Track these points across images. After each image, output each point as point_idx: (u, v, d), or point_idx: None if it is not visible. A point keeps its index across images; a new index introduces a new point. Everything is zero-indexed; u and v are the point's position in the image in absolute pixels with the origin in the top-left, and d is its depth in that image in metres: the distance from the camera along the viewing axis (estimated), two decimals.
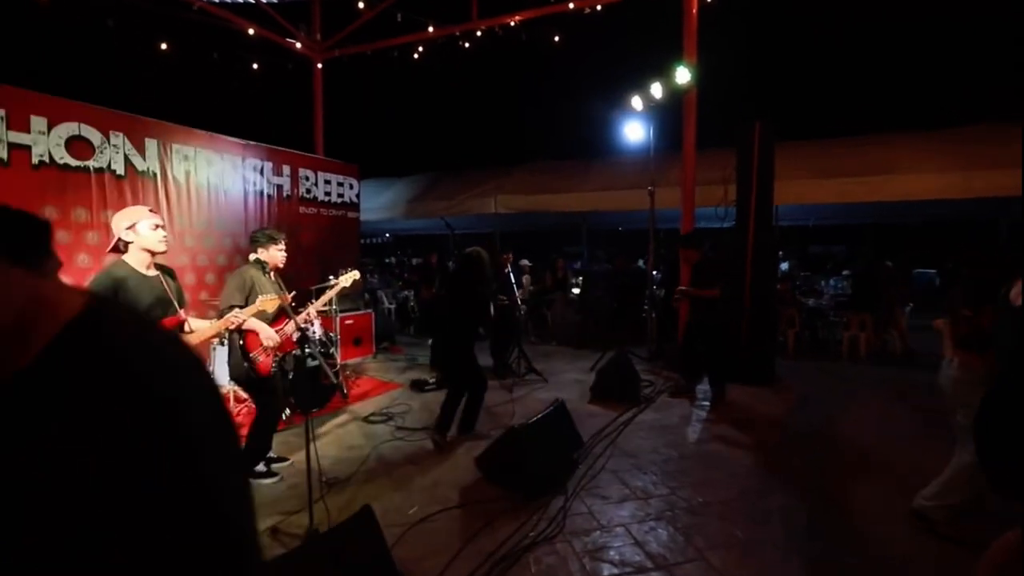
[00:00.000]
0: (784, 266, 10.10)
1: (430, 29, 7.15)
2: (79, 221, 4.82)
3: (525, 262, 9.45)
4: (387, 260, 15.29)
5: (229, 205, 6.30)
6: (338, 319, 6.86)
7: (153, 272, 2.62)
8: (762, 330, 5.92)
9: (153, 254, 2.62)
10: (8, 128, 4.52)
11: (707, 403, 5.28)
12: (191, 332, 2.74)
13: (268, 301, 3.00)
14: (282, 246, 3.56)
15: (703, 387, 5.61)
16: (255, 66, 7.75)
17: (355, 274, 4.26)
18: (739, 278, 5.83)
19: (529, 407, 5.20)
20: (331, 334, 5.89)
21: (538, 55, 8.58)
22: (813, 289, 8.77)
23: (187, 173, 5.84)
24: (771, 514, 3.05)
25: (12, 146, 4.54)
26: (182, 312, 2.76)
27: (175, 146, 5.73)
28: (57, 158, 4.80)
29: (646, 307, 8.26)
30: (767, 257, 5.97)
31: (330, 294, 4.19)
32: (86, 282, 2.94)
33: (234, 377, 3.46)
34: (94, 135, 5.06)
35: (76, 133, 4.94)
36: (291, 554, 2.02)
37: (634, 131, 7.02)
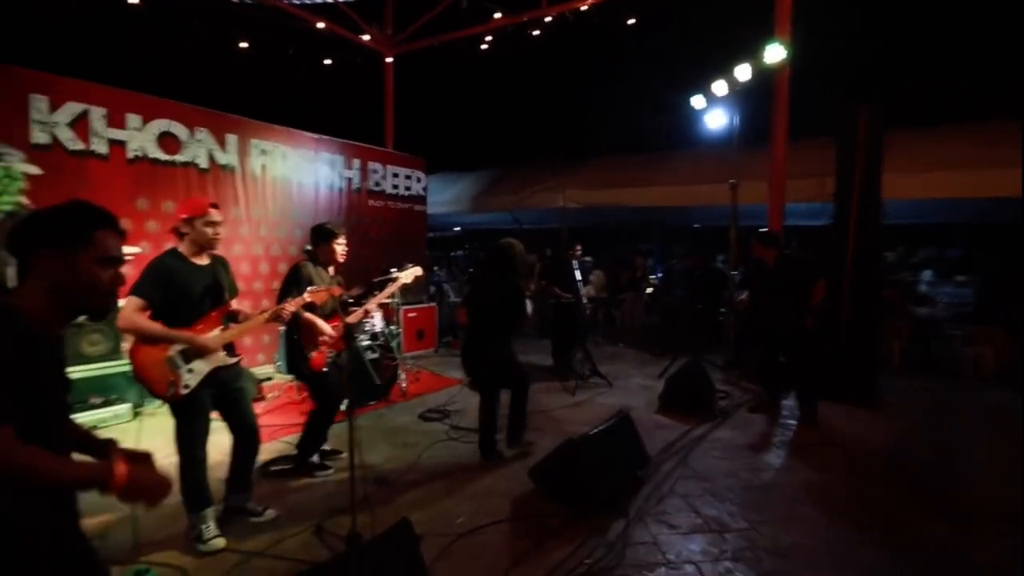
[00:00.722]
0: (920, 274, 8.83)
1: (497, 15, 6.95)
2: (167, 212, 5.10)
3: (588, 259, 9.02)
4: (454, 254, 15.41)
5: (301, 197, 6.48)
6: (401, 312, 6.89)
7: (205, 261, 2.61)
8: (863, 341, 5.19)
9: (204, 247, 2.61)
10: (108, 125, 4.86)
11: (794, 422, 4.71)
12: (242, 321, 2.72)
13: (315, 293, 2.94)
14: (342, 241, 3.48)
15: (788, 402, 5.03)
16: (328, 62, 7.95)
17: (416, 270, 4.16)
18: (835, 282, 5.14)
19: (591, 413, 4.89)
20: (392, 327, 5.88)
21: (610, 41, 8.16)
22: (925, 297, 7.68)
23: (263, 167, 6.06)
24: (874, 571, 2.56)
25: (111, 142, 4.87)
26: (233, 303, 2.74)
27: (253, 141, 5.95)
28: (149, 153, 5.11)
29: (723, 310, 7.63)
30: (870, 259, 5.23)
31: (390, 289, 4.13)
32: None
33: (291, 370, 3.47)
34: (181, 131, 5.34)
35: (166, 129, 5.24)
36: (323, 568, 1.89)
37: (716, 119, 6.44)
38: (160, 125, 5.19)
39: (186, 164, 5.36)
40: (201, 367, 2.51)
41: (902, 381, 5.98)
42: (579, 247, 6.42)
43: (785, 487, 3.42)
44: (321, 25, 7.15)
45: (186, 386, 2.45)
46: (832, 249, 5.29)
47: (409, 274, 4.09)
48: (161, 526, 2.72)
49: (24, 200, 4.43)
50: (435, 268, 12.16)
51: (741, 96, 5.89)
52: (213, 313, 2.60)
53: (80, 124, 4.69)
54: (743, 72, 5.48)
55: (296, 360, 3.37)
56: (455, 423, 4.53)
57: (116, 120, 4.90)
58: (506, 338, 3.87)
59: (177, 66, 7.99)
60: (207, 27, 6.86)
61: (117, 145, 4.91)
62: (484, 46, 7.80)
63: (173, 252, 2.55)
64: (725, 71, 5.67)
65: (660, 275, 9.88)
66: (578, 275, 6.20)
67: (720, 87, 5.81)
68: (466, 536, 2.76)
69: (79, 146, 4.67)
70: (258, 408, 4.71)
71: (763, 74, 5.50)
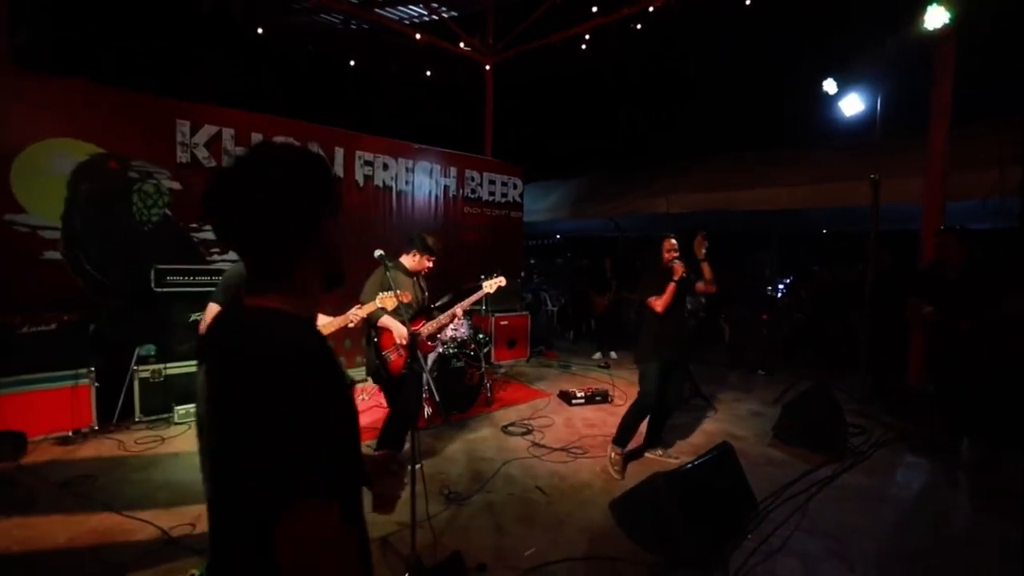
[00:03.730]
0: None
1: (594, 9, 6.63)
2: None
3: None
4: (558, 261, 15.23)
5: (401, 205, 6.71)
6: (493, 319, 6.83)
7: None
8: None
9: None
10: (236, 144, 5.39)
11: (961, 473, 3.77)
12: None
13: (386, 298, 2.88)
14: (432, 260, 3.56)
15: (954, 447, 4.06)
16: (429, 73, 8.20)
17: (500, 280, 3.99)
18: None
19: (690, 440, 4.37)
20: (481, 335, 5.80)
21: (722, 26, 7.41)
22: None
23: (367, 177, 6.36)
24: None
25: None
26: None
27: (358, 152, 6.27)
28: None
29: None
30: None
31: (471, 300, 3.99)
32: None
33: (369, 373, 3.48)
34: None
35: None
36: None
37: (852, 105, 5.50)
38: (279, 141, 5.66)
39: None
40: None
41: None
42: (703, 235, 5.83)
43: (950, 567, 2.67)
44: (419, 37, 7.38)
45: None
46: (1018, 256, 4.21)
47: (492, 284, 3.94)
48: None
49: (168, 212, 5.08)
50: (534, 276, 12.06)
51: (886, 75, 4.94)
52: None
53: (214, 144, 5.26)
54: (891, 45, 4.57)
55: (375, 363, 3.38)
56: (538, 440, 4.28)
57: (242, 139, 5.42)
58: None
59: (293, 86, 8.83)
60: (319, 48, 7.43)
61: None
62: (583, 46, 7.52)
63: None
64: (865, 46, 4.79)
65: (781, 286, 8.77)
66: None
67: (859, 66, 4.93)
68: (533, 572, 2.50)
69: (212, 163, 5.22)
70: None
71: (919, 45, 4.53)
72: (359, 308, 2.87)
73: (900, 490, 3.52)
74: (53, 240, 4.36)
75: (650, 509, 2.71)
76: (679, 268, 3.56)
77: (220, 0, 6.88)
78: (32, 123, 4.24)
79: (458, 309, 3.78)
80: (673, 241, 3.68)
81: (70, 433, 3.98)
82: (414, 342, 2.63)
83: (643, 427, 3.81)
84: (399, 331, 3.25)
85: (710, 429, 4.64)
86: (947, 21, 4.08)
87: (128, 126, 4.74)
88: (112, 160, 4.66)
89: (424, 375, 3.30)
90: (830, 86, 5.45)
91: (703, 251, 3.69)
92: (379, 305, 2.89)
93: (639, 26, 6.72)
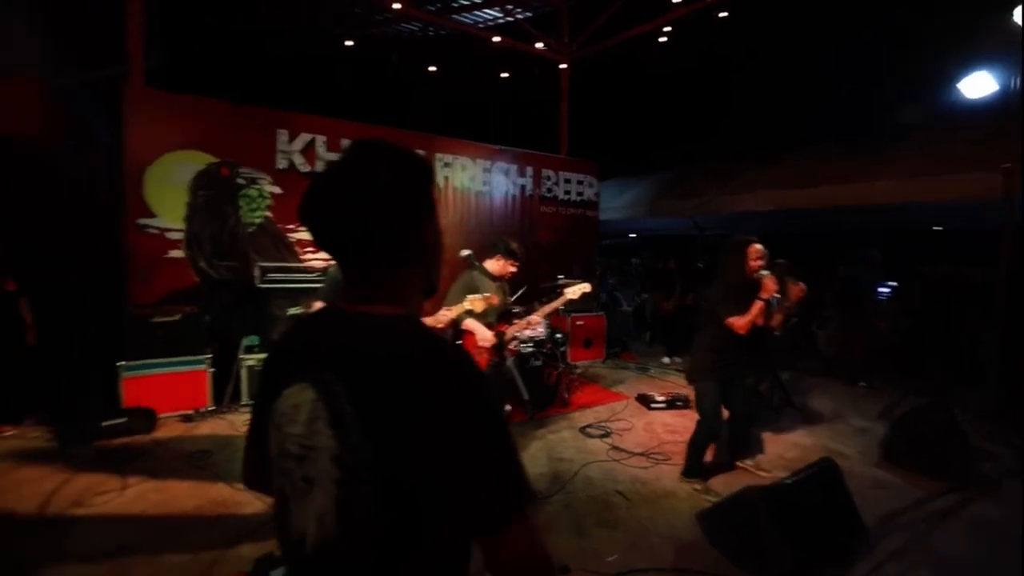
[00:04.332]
0: None
1: (676, 0, 6.37)
2: None
3: (781, 261, 7.57)
4: (633, 260, 14.88)
5: (479, 206, 6.83)
6: (569, 319, 6.78)
7: None
8: None
9: None
10: (328, 149, 5.74)
11: None
12: None
13: (475, 301, 2.92)
14: (516, 265, 3.55)
15: None
16: (505, 75, 8.28)
17: (584, 286, 3.92)
18: None
19: (783, 454, 4.09)
20: (559, 335, 5.77)
21: (820, 5, 6.84)
22: None
23: (446, 179, 6.54)
24: None
25: (329, 164, 5.76)
26: None
27: (438, 155, 6.46)
28: None
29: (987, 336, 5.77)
30: None
31: (553, 305, 3.94)
32: None
33: None
34: None
35: None
36: None
37: (978, 86, 4.88)
38: (380, 140, 5.96)
39: None
40: None
41: None
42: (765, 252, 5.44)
43: None
44: (497, 39, 7.47)
45: None
46: None
47: (576, 290, 3.88)
48: None
49: (269, 214, 5.51)
50: (607, 276, 11.83)
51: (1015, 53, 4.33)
52: None
53: (308, 150, 5.63)
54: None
55: None
56: (617, 443, 4.19)
57: (334, 145, 5.75)
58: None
59: (378, 92, 9.28)
60: (403, 56, 7.74)
61: None
62: (663, 39, 7.26)
63: None
64: (997, 16, 4.23)
65: (886, 290, 7.96)
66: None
67: (989, 41, 4.36)
68: None
69: (307, 168, 5.60)
70: None
71: None
72: (447, 310, 2.94)
73: None
74: (176, 241, 4.87)
75: (744, 524, 2.56)
76: (770, 285, 3.10)
77: (313, 16, 7.37)
78: (163, 137, 4.76)
79: (536, 316, 3.75)
80: (760, 247, 3.21)
81: (191, 412, 4.45)
82: (502, 342, 2.66)
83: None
84: (483, 334, 3.30)
85: (805, 443, 4.31)
86: None
87: (237, 136, 5.19)
88: (224, 167, 5.13)
89: (512, 373, 3.30)
90: (951, 66, 4.88)
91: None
92: (467, 307, 2.94)
93: (723, 14, 6.37)
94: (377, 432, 0.71)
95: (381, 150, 0.83)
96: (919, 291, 7.66)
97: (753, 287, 3.14)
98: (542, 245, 7.40)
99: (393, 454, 0.70)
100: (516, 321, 3.70)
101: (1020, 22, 4.02)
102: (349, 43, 7.70)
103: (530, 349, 4.95)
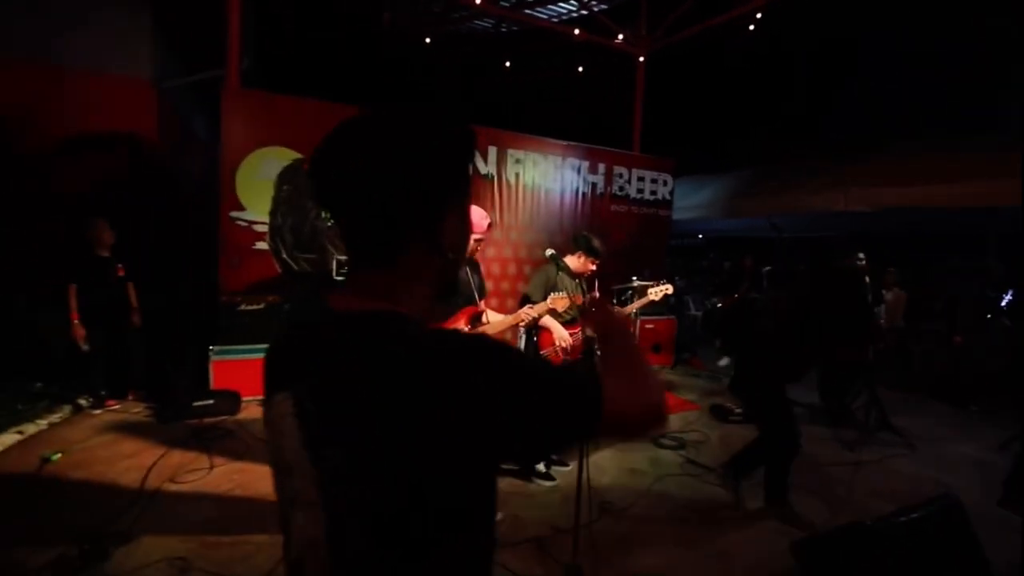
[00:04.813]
0: None
1: None
2: None
3: (891, 269, 6.87)
4: (703, 263, 14.28)
5: (548, 203, 6.73)
6: (638, 322, 6.54)
7: None
8: None
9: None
10: None
11: None
12: (487, 323, 2.80)
13: (558, 300, 2.83)
14: (597, 262, 3.46)
15: None
16: (581, 69, 8.09)
17: (666, 288, 3.77)
18: None
19: (881, 482, 3.70)
20: None
21: None
22: None
23: (517, 175, 6.48)
24: None
25: None
26: (481, 303, 2.83)
27: (509, 151, 6.41)
28: None
29: None
30: None
31: (636, 305, 3.83)
32: None
33: None
34: None
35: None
36: None
37: None
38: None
39: None
40: None
41: None
42: (861, 256, 4.96)
43: None
44: (576, 32, 7.30)
45: None
46: None
47: (659, 291, 3.72)
48: None
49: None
50: (675, 278, 11.38)
51: None
52: (462, 312, 2.73)
53: None
54: None
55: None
56: (691, 456, 3.96)
57: None
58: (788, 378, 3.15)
59: (454, 87, 9.37)
60: (479, 51, 7.75)
61: None
62: (752, 27, 6.81)
63: None
64: None
65: (1004, 301, 7.08)
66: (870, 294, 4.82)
67: None
68: None
69: None
70: None
71: None
72: (531, 308, 2.88)
73: None
74: (262, 233, 5.12)
75: (846, 561, 2.30)
76: None
77: (393, 15, 7.54)
78: (255, 134, 5.01)
79: (623, 314, 3.62)
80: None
81: None
82: (591, 348, 2.55)
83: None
84: (560, 333, 3.21)
85: (909, 473, 3.88)
86: None
87: (321, 132, 5.36)
88: (306, 163, 5.33)
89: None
90: None
91: None
92: (550, 306, 2.86)
93: None
94: (360, 448, 0.62)
95: (414, 116, 0.71)
96: None
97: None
98: (613, 245, 7.17)
99: (387, 466, 0.61)
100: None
101: None
102: (427, 40, 7.81)
103: (599, 353, 4.78)
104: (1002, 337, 6.51)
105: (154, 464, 3.32)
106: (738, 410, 4.87)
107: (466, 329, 2.72)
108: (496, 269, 6.33)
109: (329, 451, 0.64)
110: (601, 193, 7.12)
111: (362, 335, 0.67)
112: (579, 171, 6.92)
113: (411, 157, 0.68)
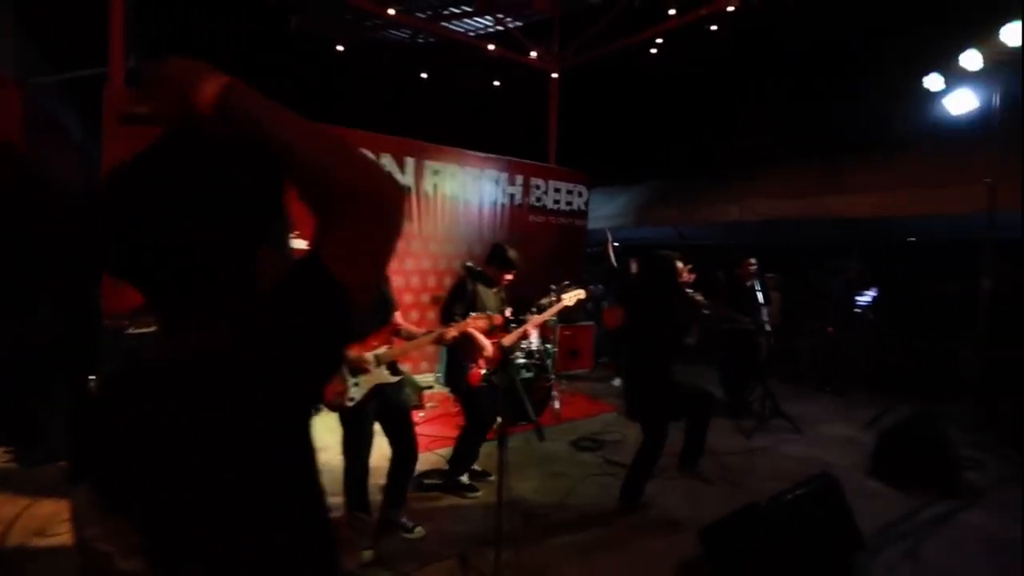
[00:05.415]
0: None
1: (671, 12, 6.43)
2: None
3: (772, 275, 7.70)
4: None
5: (467, 214, 6.76)
6: (557, 329, 6.73)
7: None
8: None
9: None
10: None
11: None
12: (407, 339, 2.77)
13: (478, 320, 2.87)
14: (513, 273, 3.49)
15: None
16: (496, 83, 8.26)
17: (580, 293, 3.94)
18: None
19: (773, 464, 4.09)
20: (548, 346, 5.72)
21: (811, 24, 6.98)
22: None
23: (435, 186, 6.45)
24: None
25: None
26: (397, 316, 2.80)
27: (427, 162, 6.38)
28: None
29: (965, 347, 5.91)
30: None
31: (552, 311, 3.96)
32: None
33: (448, 382, 3.49)
34: (370, 157, 5.95)
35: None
36: None
37: (960, 103, 5.01)
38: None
39: None
40: (366, 381, 2.59)
41: None
42: (753, 261, 5.50)
43: None
44: (491, 48, 7.45)
45: (351, 399, 2.54)
46: None
47: (572, 297, 3.87)
48: None
49: None
50: (592, 285, 11.84)
51: (1005, 69, 4.46)
52: (381, 330, 2.68)
53: None
54: (1012, 34, 4.12)
55: (454, 373, 3.37)
56: (610, 456, 4.14)
57: None
58: (667, 363, 3.43)
59: (368, 98, 9.17)
60: (392, 63, 7.67)
61: None
62: (654, 50, 7.33)
63: None
64: (981, 37, 4.35)
65: (865, 300, 8.12)
66: (760, 297, 5.33)
67: (972, 58, 4.47)
68: None
69: None
70: (416, 417, 4.92)
71: None
72: (451, 327, 2.87)
73: None
74: None
75: (744, 541, 2.52)
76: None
77: (301, 20, 7.26)
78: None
79: (531, 325, 3.71)
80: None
81: None
82: (506, 358, 2.60)
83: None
84: (481, 342, 3.23)
85: (798, 455, 4.32)
86: None
87: None
88: None
89: (516, 386, 3.23)
90: (934, 83, 5.00)
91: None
92: (470, 327, 2.88)
93: (714, 27, 6.46)
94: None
95: (224, 145, 0.63)
96: (898, 303, 7.80)
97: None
98: (531, 256, 7.34)
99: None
100: (515, 328, 3.65)
101: (1006, 42, 4.14)
102: (340, 48, 7.59)
103: (521, 360, 4.87)
104: (867, 330, 7.46)
105: (17, 517, 2.90)
106: None
107: (386, 348, 2.66)
108: (416, 281, 6.25)
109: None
110: (519, 204, 7.28)
111: (165, 393, 0.58)
112: (497, 183, 7.04)
113: (220, 187, 0.63)
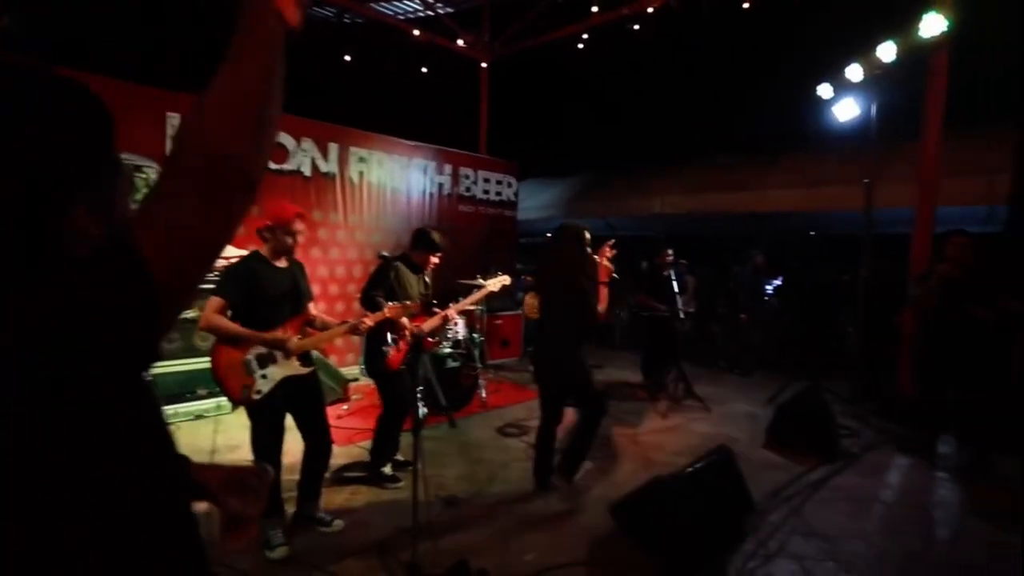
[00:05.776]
0: None
1: (594, 9, 6.61)
2: None
3: (684, 261, 8.22)
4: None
5: (395, 203, 6.64)
6: (486, 319, 6.79)
7: (284, 265, 2.62)
8: None
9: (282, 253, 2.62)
10: None
11: (950, 475, 3.84)
12: (322, 329, 2.71)
13: (395, 308, 2.85)
14: (438, 256, 3.50)
15: (945, 449, 4.14)
16: (424, 70, 8.13)
17: (504, 279, 3.99)
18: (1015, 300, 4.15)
19: (683, 441, 4.40)
20: (475, 335, 5.77)
21: (721, 29, 7.44)
22: None
23: (361, 173, 6.28)
24: None
25: None
26: (310, 307, 2.73)
27: (352, 149, 6.18)
28: None
29: (850, 330, 6.64)
30: None
31: (475, 297, 3.99)
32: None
33: (368, 369, 3.45)
34: (289, 141, 5.67)
35: (277, 140, 5.60)
36: None
37: (846, 111, 5.55)
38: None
39: (292, 172, 5.69)
40: (275, 373, 2.51)
41: None
42: (670, 252, 5.85)
43: (940, 567, 2.71)
44: (417, 33, 7.31)
45: (259, 391, 2.46)
46: (1006, 261, 4.28)
47: (496, 283, 3.93)
48: None
49: None
50: (523, 276, 12.03)
51: (881, 81, 4.99)
52: (293, 319, 2.60)
53: None
54: (887, 51, 4.62)
55: (371, 357, 3.33)
56: (533, 441, 4.26)
57: None
58: (577, 342, 3.35)
59: (287, 80, 8.68)
60: (315, 42, 7.32)
61: None
62: (580, 45, 7.51)
63: (255, 254, 2.59)
64: (862, 52, 4.84)
65: (771, 288, 8.85)
66: (676, 285, 5.67)
67: (855, 72, 4.97)
68: None
69: None
70: (341, 409, 4.83)
71: (913, 52, 4.58)
72: (368, 317, 2.83)
73: (891, 492, 3.57)
74: None
75: (651, 513, 2.72)
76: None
77: None
78: None
79: (453, 310, 3.74)
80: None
81: None
82: (418, 342, 2.60)
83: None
84: (402, 322, 3.21)
85: (704, 431, 4.67)
86: (944, 29, 4.14)
87: (120, 117, 4.60)
88: None
89: (429, 374, 3.25)
90: (825, 91, 5.51)
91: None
92: (386, 315, 2.86)
93: (637, 27, 6.72)
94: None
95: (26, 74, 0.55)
96: (798, 290, 8.58)
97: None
98: (461, 245, 7.35)
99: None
100: (438, 312, 3.65)
101: (881, 57, 4.65)
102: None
103: (448, 349, 4.90)
104: (772, 315, 8.16)
105: None
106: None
107: (297, 338, 2.59)
108: (341, 272, 6.08)
109: None
110: (449, 194, 7.25)
111: None
112: (426, 171, 6.96)
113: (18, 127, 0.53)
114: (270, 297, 2.53)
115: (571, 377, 3.34)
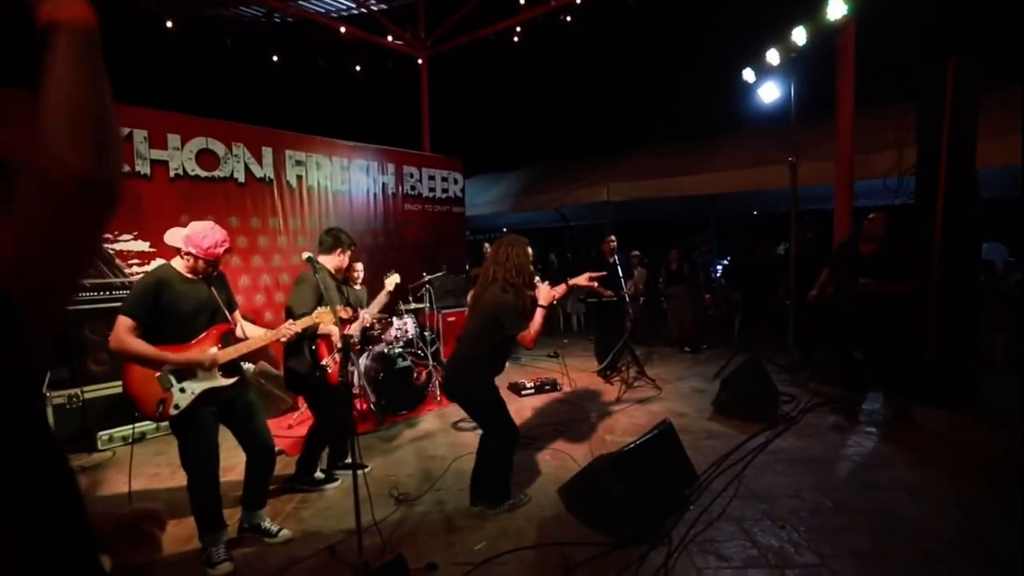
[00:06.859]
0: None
1: (521, 1, 6.66)
2: None
3: (636, 253, 8.47)
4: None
5: (338, 205, 6.50)
6: (440, 316, 6.76)
7: (198, 276, 2.49)
8: (956, 335, 4.47)
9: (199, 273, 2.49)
10: (150, 147, 5.03)
11: (874, 429, 4.10)
12: (244, 339, 2.61)
13: (323, 314, 2.78)
14: (347, 255, 3.35)
15: (870, 406, 4.42)
16: (358, 68, 7.99)
17: (395, 278, 3.94)
18: (922, 268, 4.47)
19: (636, 420, 4.52)
20: (427, 333, 5.74)
21: (647, 20, 7.64)
22: None
23: (299, 177, 6.11)
24: None
25: (154, 162, 5.04)
26: (235, 316, 2.64)
27: (288, 152, 6.00)
28: (189, 170, 5.25)
29: (787, 303, 6.97)
30: (964, 239, 4.49)
31: (379, 302, 3.87)
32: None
33: (291, 385, 3.32)
34: (219, 147, 5.46)
35: (204, 147, 5.37)
36: None
37: (770, 93, 5.82)
38: (198, 143, 5.31)
39: (224, 179, 5.48)
40: (193, 387, 2.40)
41: (1009, 379, 5.12)
42: (613, 239, 5.98)
43: (866, 513, 2.90)
44: (343, 30, 7.17)
45: (176, 406, 2.35)
46: (916, 230, 4.60)
47: (390, 282, 3.86)
48: (177, 545, 2.67)
49: None
50: (474, 273, 12.03)
51: (799, 63, 5.25)
52: (212, 330, 2.49)
53: (125, 146, 4.87)
54: (799, 35, 4.87)
55: (290, 373, 3.17)
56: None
57: (157, 141, 5.05)
58: (484, 363, 2.95)
59: (212, 84, 8.36)
60: (239, 44, 7.07)
61: (159, 165, 5.07)
62: (516, 39, 7.55)
63: (164, 266, 2.46)
64: (778, 37, 5.08)
65: (718, 268, 9.19)
66: (620, 271, 5.80)
67: (773, 56, 5.21)
68: (484, 566, 2.51)
69: (125, 168, 4.84)
70: (291, 419, 4.71)
71: (823, 35, 4.85)
72: (293, 323, 2.74)
73: (824, 449, 3.79)
74: None
75: (595, 491, 2.79)
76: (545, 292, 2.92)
77: None
78: None
79: (367, 312, 3.66)
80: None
81: None
82: (347, 347, 2.56)
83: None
84: (336, 336, 3.15)
85: (655, 409, 4.81)
86: (846, 12, 4.40)
87: (12, 127, 4.32)
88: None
89: (356, 379, 3.18)
90: (748, 75, 5.75)
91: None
92: (315, 321, 2.78)
93: (568, 18, 6.80)
94: None
95: None
96: (742, 268, 8.94)
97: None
98: (410, 244, 7.29)
99: None
100: (365, 318, 3.60)
101: (795, 41, 4.89)
102: (169, 25, 6.80)
103: (398, 349, 4.85)
104: (720, 294, 8.48)
105: None
106: (529, 384, 5.42)
107: (216, 349, 2.48)
108: (286, 278, 5.90)
109: None
110: (393, 193, 7.15)
111: None
112: (368, 172, 6.84)
113: None
114: (182, 312, 2.39)
115: (468, 401, 3.02)
